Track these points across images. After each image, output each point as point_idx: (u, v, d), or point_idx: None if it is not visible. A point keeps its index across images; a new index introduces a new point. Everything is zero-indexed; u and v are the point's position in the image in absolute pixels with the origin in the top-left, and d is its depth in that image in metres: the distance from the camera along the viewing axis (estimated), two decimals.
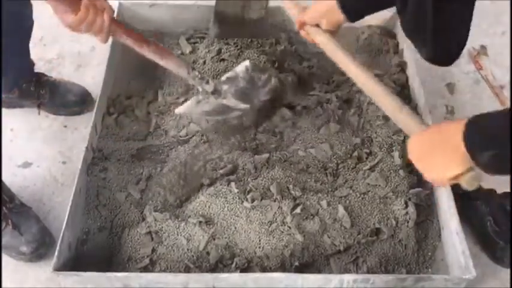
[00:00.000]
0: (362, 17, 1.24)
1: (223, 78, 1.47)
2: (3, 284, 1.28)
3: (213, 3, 1.93)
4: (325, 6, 1.21)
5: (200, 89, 1.42)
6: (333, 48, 1.24)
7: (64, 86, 1.64)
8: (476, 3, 1.01)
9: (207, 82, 1.41)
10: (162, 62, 1.36)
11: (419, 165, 0.93)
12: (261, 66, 1.56)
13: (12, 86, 1.56)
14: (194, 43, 1.76)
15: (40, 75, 1.63)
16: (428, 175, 0.92)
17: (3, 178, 1.46)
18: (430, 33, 0.97)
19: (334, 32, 1.26)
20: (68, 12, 1.17)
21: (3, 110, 1.61)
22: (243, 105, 1.46)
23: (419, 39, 1.05)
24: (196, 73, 1.40)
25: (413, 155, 0.94)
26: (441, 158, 0.83)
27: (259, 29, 1.70)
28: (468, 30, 0.99)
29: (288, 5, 1.39)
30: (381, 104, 1.14)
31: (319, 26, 1.26)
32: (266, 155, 1.43)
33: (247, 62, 1.50)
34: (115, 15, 1.71)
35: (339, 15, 1.20)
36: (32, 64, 1.62)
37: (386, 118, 1.48)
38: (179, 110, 1.44)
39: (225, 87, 1.45)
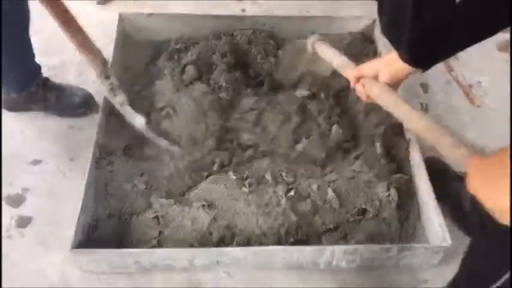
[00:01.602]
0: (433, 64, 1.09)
1: (127, 107, 1.53)
2: (18, 269, 1.38)
3: (207, 11, 2.09)
4: (385, 59, 1.14)
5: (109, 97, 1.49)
6: (392, 99, 1.14)
7: (69, 90, 1.76)
8: None
9: (115, 96, 1.47)
10: (79, 50, 1.40)
11: (480, 194, 0.80)
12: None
13: (22, 87, 1.66)
14: (186, 47, 1.88)
15: (46, 79, 1.74)
16: (491, 205, 0.79)
17: (14, 174, 1.57)
18: (408, 35, 0.99)
19: (394, 86, 1.16)
20: None
21: (12, 113, 1.72)
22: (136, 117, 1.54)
23: (397, 40, 1.05)
24: (108, 83, 1.44)
25: (473, 183, 0.82)
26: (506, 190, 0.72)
27: None
28: (451, 37, 0.96)
29: (346, 65, 1.32)
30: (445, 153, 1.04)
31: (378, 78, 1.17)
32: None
33: (143, 120, 1.54)
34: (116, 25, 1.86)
35: (402, 64, 1.10)
36: (38, 66, 1.73)
37: (367, 113, 1.64)
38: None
39: (126, 113, 1.53)
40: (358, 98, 1.63)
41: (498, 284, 0.94)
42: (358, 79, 1.19)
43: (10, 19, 1.45)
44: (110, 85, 1.45)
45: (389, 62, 1.13)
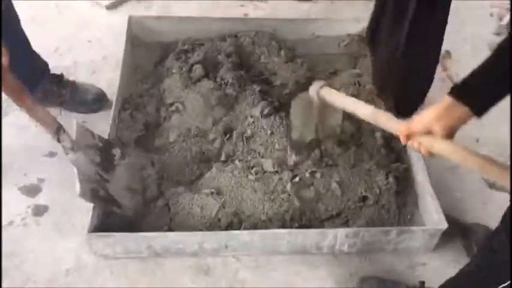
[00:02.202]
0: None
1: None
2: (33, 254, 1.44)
3: (212, 14, 2.18)
4: (437, 109, 1.03)
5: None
6: (463, 153, 1.08)
7: (83, 87, 1.85)
8: None
9: (72, 149, 1.40)
10: (30, 114, 1.34)
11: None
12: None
13: (33, 84, 1.68)
14: (192, 48, 1.96)
15: (61, 77, 1.82)
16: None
17: (30, 166, 1.65)
18: (396, 88, 1.03)
19: (450, 136, 1.07)
20: None
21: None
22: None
23: (386, 92, 1.10)
24: (65, 138, 1.39)
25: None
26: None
27: None
28: (429, 86, 1.04)
29: (381, 117, 1.24)
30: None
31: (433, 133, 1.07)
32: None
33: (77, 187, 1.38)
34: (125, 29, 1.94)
35: (459, 112, 1.02)
36: (45, 63, 1.79)
37: None
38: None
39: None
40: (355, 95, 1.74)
41: (505, 284, 1.00)
42: (408, 137, 1.11)
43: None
44: (68, 143, 1.41)
45: (440, 115, 1.03)
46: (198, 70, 1.81)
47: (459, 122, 1.03)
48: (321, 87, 1.41)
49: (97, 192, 1.39)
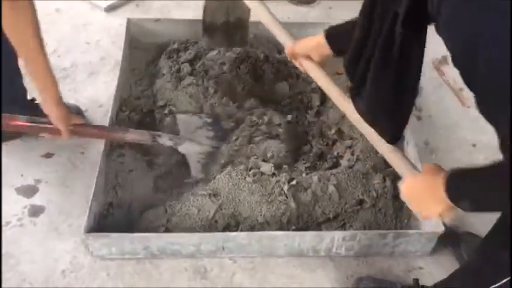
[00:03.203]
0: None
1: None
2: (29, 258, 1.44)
3: None
4: (315, 42, 1.29)
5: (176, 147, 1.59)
6: (320, 76, 1.34)
7: None
8: None
9: (175, 145, 1.58)
10: (128, 140, 1.55)
11: (410, 205, 1.06)
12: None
13: (7, 105, 1.58)
14: (185, 48, 1.97)
15: (33, 101, 1.68)
16: (418, 212, 1.09)
17: (26, 166, 1.64)
18: (384, 119, 1.04)
19: (322, 63, 1.35)
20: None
21: None
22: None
23: (373, 121, 1.10)
24: (165, 138, 1.57)
25: (405, 197, 1.07)
26: (430, 204, 0.96)
27: (243, 39, 1.83)
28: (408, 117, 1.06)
29: (278, 32, 1.47)
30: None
31: (310, 57, 1.34)
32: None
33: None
34: (124, 31, 1.94)
35: (327, 50, 1.27)
36: (25, 89, 1.68)
37: None
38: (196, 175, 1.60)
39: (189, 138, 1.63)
40: None
41: (496, 285, 1.01)
42: (293, 56, 1.38)
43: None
44: (168, 138, 1.59)
45: (319, 45, 1.28)
46: (185, 69, 1.83)
47: (328, 55, 1.29)
48: None
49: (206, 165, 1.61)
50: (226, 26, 1.72)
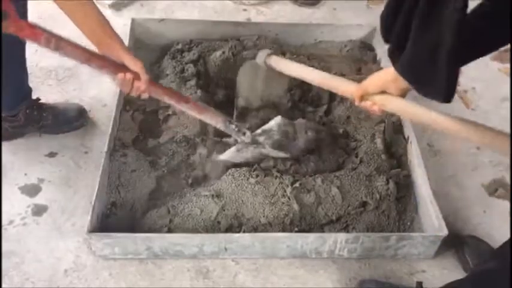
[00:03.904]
0: None
1: (259, 131, 1.55)
2: (35, 256, 1.44)
3: (215, 18, 2.20)
4: (390, 74, 1.09)
5: (239, 140, 1.51)
6: (417, 109, 1.12)
7: (62, 106, 1.79)
8: None
9: (244, 134, 1.50)
10: (200, 117, 1.46)
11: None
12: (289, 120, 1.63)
13: (14, 106, 1.64)
14: (189, 48, 1.98)
15: (38, 101, 1.72)
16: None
17: (30, 164, 1.65)
18: (444, 80, 0.89)
19: (402, 97, 1.14)
20: (110, 75, 1.27)
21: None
22: (282, 154, 1.54)
23: (425, 77, 0.95)
24: (233, 126, 1.49)
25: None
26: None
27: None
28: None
29: (334, 82, 1.29)
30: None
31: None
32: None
33: (279, 119, 1.57)
34: (128, 31, 1.95)
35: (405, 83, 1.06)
36: (31, 89, 1.70)
37: (368, 112, 1.73)
38: (222, 157, 1.55)
39: (261, 138, 1.53)
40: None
41: None
42: (362, 97, 1.17)
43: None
44: (236, 127, 1.50)
45: (396, 77, 1.07)
46: (190, 69, 1.83)
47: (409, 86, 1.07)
48: (268, 55, 1.44)
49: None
50: (261, 108, 1.69)
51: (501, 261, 1.06)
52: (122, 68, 1.24)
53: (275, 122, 1.56)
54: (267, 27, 2.06)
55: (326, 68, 2.01)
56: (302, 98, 1.81)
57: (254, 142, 1.51)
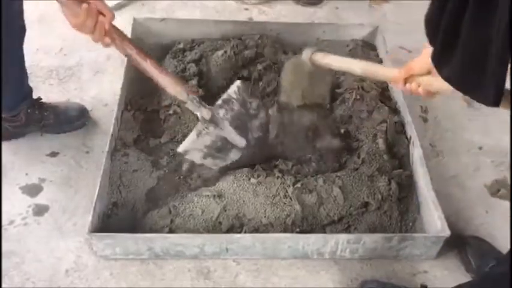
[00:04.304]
0: None
1: (219, 102, 1.45)
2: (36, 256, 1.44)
3: (216, 17, 2.19)
4: None
5: (198, 115, 1.41)
6: None
7: (63, 105, 1.78)
8: None
9: (205, 107, 1.40)
10: (160, 80, 1.35)
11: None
12: (250, 89, 1.62)
13: (14, 106, 1.63)
14: (190, 48, 1.97)
15: (39, 100, 1.72)
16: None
17: (31, 164, 1.65)
18: (494, 83, 0.84)
19: None
20: (71, 15, 1.19)
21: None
22: (239, 140, 1.49)
23: (475, 84, 0.89)
24: (195, 97, 1.39)
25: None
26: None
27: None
28: None
29: (376, 69, 1.29)
30: None
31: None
32: None
33: (238, 82, 1.48)
34: (130, 31, 1.94)
35: None
36: (31, 88, 1.70)
37: (369, 112, 1.72)
38: (182, 147, 1.43)
39: (221, 112, 1.44)
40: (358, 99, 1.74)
41: None
42: (407, 79, 1.14)
43: (5, 34, 1.40)
44: (197, 98, 1.40)
45: None
46: (191, 69, 1.82)
47: None
48: (314, 52, 1.43)
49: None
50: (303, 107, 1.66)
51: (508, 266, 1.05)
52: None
53: (235, 87, 1.47)
54: (269, 26, 2.06)
55: None
56: None
57: (214, 120, 1.42)
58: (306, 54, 1.45)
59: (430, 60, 0.97)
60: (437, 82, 1.05)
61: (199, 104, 1.39)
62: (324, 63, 1.42)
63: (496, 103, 0.86)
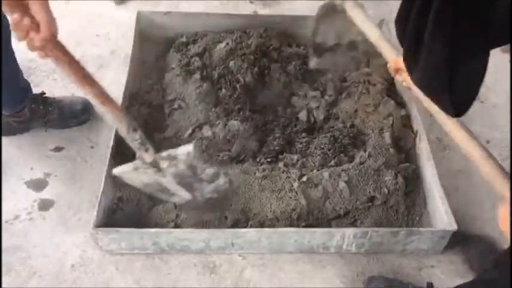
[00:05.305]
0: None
1: (164, 153, 1.31)
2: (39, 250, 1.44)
3: (221, 10, 2.18)
4: None
5: (137, 155, 1.29)
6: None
7: (68, 99, 1.76)
8: None
9: (146, 150, 1.27)
10: (102, 108, 1.21)
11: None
12: (204, 156, 1.51)
13: (17, 104, 1.61)
14: (194, 41, 1.96)
15: (43, 95, 1.71)
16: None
17: (36, 159, 1.65)
18: (446, 88, 0.82)
19: None
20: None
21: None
22: (183, 193, 1.38)
23: (435, 94, 0.89)
24: (137, 136, 1.24)
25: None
26: None
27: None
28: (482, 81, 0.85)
29: (382, 45, 1.28)
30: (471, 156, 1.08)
31: None
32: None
33: (190, 148, 1.33)
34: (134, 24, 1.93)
35: None
36: (28, 83, 1.66)
37: (376, 106, 1.71)
38: (116, 170, 1.31)
39: (164, 164, 1.30)
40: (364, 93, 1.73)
41: None
42: (397, 70, 1.17)
43: None
44: (140, 137, 1.26)
45: None
46: (195, 63, 1.81)
47: None
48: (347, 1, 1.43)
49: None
50: (337, 48, 1.63)
51: (502, 271, 1.04)
52: (23, 7, 0.98)
53: (186, 150, 1.32)
54: (274, 19, 2.04)
55: None
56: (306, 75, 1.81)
57: (155, 165, 1.29)
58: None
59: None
60: (412, 85, 1.02)
61: (140, 146, 1.25)
62: (350, 14, 1.43)
63: (455, 113, 0.84)
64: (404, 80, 1.17)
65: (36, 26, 0.99)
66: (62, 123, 1.73)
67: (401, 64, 1.09)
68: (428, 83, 0.84)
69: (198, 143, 1.52)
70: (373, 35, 1.31)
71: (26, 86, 1.67)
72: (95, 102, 1.22)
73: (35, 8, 0.98)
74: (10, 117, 1.64)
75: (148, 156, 1.27)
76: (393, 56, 1.21)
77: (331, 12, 1.51)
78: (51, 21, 1.01)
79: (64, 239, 1.46)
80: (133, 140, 1.24)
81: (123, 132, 1.23)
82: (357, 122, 1.70)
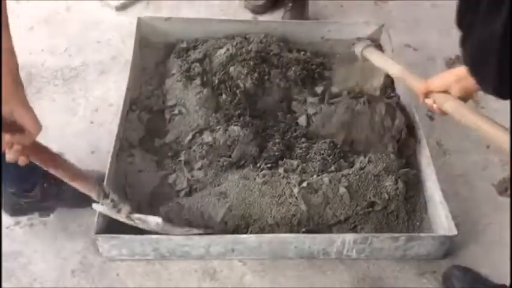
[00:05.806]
0: None
1: (136, 215, 1.35)
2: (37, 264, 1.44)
3: (218, 15, 2.18)
4: (455, 74, 1.11)
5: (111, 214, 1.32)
6: (466, 112, 1.11)
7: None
8: (452, 16, 1.02)
9: (119, 211, 1.31)
10: (72, 184, 1.25)
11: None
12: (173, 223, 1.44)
13: (22, 183, 1.44)
14: (194, 47, 1.97)
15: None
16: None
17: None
18: (494, 73, 0.84)
19: (465, 100, 1.14)
20: None
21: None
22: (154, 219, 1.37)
23: (482, 77, 0.91)
24: (109, 201, 1.29)
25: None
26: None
27: None
28: None
29: (407, 76, 1.32)
30: None
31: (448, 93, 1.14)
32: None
33: (159, 220, 1.35)
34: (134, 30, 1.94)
35: (471, 82, 1.01)
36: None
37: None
38: (95, 207, 1.33)
39: (135, 221, 1.36)
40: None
41: None
42: (426, 94, 1.18)
43: None
44: (111, 202, 1.30)
45: (460, 77, 1.09)
46: (196, 68, 1.82)
47: (476, 88, 1.03)
48: (365, 47, 1.52)
49: None
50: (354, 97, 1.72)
51: None
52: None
53: (155, 221, 1.36)
54: (274, 25, 2.05)
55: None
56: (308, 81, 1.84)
57: (128, 219, 1.34)
58: (357, 48, 1.53)
59: (446, 80, 1.11)
60: (447, 103, 1.13)
61: (112, 208, 1.31)
62: (371, 59, 1.51)
63: (500, 94, 0.86)
64: (434, 101, 1.17)
65: (17, 129, 0.98)
66: (73, 202, 1.53)
67: (432, 87, 1.15)
68: (477, 63, 0.86)
69: (166, 215, 1.45)
70: (396, 71, 1.36)
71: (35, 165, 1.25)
72: (64, 179, 1.23)
73: (19, 114, 0.97)
74: (19, 197, 1.47)
75: (121, 216, 1.33)
76: (419, 84, 1.22)
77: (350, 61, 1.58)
78: (36, 122, 1.01)
79: (65, 245, 1.46)
80: (106, 203, 1.30)
81: (95, 197, 1.29)
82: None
